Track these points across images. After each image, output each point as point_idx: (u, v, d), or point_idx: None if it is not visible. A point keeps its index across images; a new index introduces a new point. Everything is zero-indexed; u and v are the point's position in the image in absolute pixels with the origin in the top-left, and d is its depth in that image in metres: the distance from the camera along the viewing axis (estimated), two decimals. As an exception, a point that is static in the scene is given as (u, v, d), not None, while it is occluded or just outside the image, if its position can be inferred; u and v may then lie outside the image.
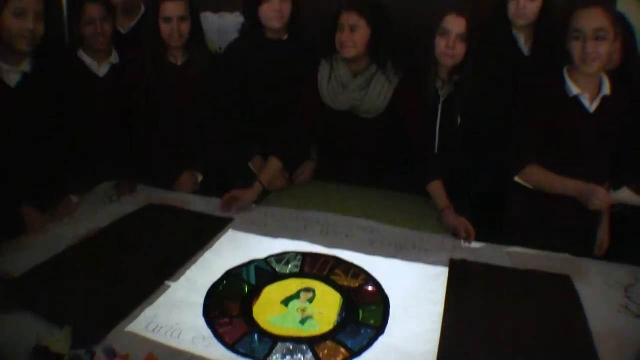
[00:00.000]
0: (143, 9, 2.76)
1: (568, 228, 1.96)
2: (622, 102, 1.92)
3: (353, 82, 2.16)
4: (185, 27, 2.27)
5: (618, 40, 1.93)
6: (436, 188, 2.03)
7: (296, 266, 1.62)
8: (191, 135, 2.39)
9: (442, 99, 2.14)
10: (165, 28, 2.25)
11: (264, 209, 2.06)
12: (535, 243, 1.80)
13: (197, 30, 2.34)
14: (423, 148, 2.12)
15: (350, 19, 2.08)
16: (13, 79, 1.87)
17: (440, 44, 2.05)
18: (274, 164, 2.20)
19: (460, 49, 2.04)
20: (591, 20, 1.79)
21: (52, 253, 1.64)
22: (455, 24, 2.02)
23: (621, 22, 2.05)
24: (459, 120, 2.12)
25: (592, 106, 1.89)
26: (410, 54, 2.20)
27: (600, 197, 1.79)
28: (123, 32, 2.69)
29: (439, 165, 2.11)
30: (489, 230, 1.94)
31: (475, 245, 1.81)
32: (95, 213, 1.98)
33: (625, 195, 1.87)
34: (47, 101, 1.98)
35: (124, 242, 1.76)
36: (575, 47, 1.82)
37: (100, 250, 1.70)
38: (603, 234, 2.03)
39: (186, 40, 2.30)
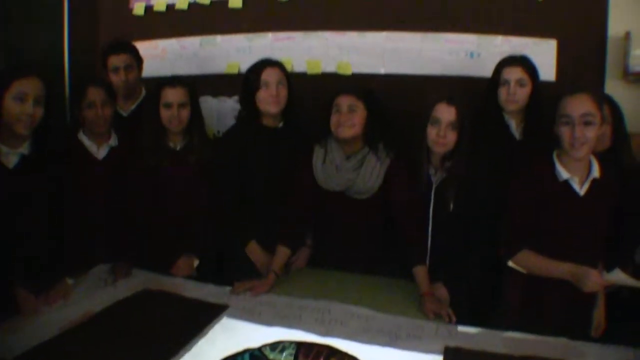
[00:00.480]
0: (144, 92, 2.91)
1: (563, 310, 1.98)
2: (612, 183, 1.99)
3: (346, 164, 2.25)
4: (185, 113, 2.36)
5: (607, 123, 2.03)
6: (419, 273, 2.09)
7: (290, 354, 1.63)
8: (188, 220, 2.40)
9: (434, 186, 2.21)
10: (165, 113, 2.34)
11: (259, 296, 2.08)
12: (531, 326, 1.82)
13: (196, 116, 2.43)
14: (410, 231, 2.18)
15: (348, 100, 2.21)
16: (11, 160, 1.94)
17: (432, 132, 2.14)
18: (283, 252, 2.25)
19: (451, 137, 2.12)
20: (578, 105, 1.89)
21: (44, 337, 1.66)
22: (445, 113, 2.12)
23: (609, 104, 2.16)
24: (452, 206, 2.18)
25: (581, 189, 1.95)
26: (403, 140, 2.29)
27: (593, 279, 1.83)
28: (124, 114, 2.83)
29: (425, 249, 2.19)
30: (485, 313, 2.00)
31: (470, 330, 1.83)
32: (89, 297, 2.00)
33: (618, 276, 1.88)
34: (44, 183, 2.04)
35: (118, 328, 1.78)
36: (564, 132, 1.91)
37: (93, 336, 1.72)
38: (599, 315, 2.05)
39: (185, 125, 2.39)
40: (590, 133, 1.88)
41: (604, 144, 2.16)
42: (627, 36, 2.73)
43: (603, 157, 2.04)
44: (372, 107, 2.25)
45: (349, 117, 2.20)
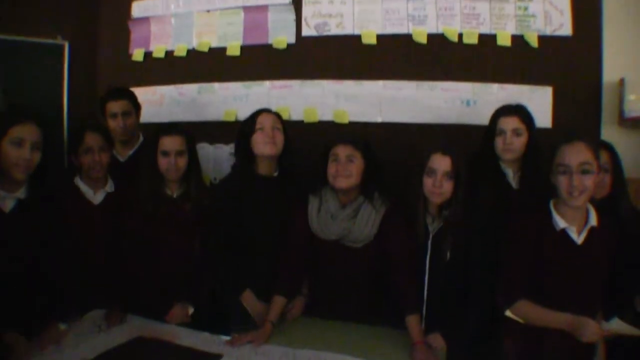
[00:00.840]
0: (141, 138, 2.97)
1: (563, 360, 1.99)
2: (610, 232, 2.02)
3: (342, 213, 2.27)
4: (182, 162, 2.41)
5: (604, 171, 2.09)
6: (411, 322, 2.11)
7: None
8: (183, 267, 2.42)
9: (431, 235, 2.23)
10: (162, 161, 2.40)
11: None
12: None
13: (193, 164, 2.48)
14: (404, 280, 2.19)
15: (346, 150, 2.24)
16: (8, 204, 1.98)
17: (428, 182, 2.18)
18: (280, 302, 2.26)
19: (447, 187, 2.16)
20: (576, 155, 1.94)
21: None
22: (440, 163, 2.16)
23: (609, 152, 2.22)
24: (449, 256, 2.20)
25: (579, 238, 1.98)
26: (399, 188, 2.33)
27: (592, 329, 1.85)
28: (121, 160, 2.88)
29: (419, 298, 2.20)
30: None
31: (468, 381, 1.85)
32: (82, 343, 2.02)
33: (616, 325, 1.90)
34: (40, 227, 2.07)
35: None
36: (562, 182, 1.95)
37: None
38: None
39: (182, 173, 2.43)
40: (588, 182, 1.92)
41: (603, 192, 2.22)
42: (622, 82, 2.81)
43: (601, 205, 2.08)
44: (370, 156, 2.28)
45: (347, 167, 2.23)
